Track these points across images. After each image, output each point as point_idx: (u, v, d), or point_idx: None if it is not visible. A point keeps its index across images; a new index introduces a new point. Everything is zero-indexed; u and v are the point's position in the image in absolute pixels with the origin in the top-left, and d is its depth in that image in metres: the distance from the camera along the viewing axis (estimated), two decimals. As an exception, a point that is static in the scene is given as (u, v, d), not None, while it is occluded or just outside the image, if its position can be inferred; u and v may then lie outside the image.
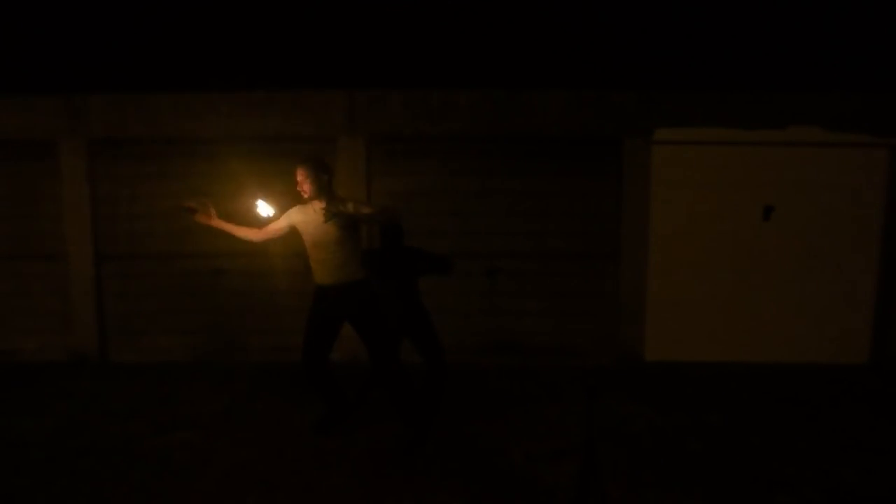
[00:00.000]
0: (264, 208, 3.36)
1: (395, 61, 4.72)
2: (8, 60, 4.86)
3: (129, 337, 4.95)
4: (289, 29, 4.87)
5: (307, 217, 3.25)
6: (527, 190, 4.83)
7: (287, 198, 4.79)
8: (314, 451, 3.21)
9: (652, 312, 4.89)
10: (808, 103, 4.66)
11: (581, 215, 4.86)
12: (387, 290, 3.45)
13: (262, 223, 3.42)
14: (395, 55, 4.74)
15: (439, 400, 3.60)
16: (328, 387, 3.44)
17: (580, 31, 4.89)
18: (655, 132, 4.71)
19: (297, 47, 4.83)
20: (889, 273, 4.80)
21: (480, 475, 2.96)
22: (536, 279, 4.89)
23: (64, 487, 2.83)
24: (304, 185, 3.23)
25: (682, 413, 3.79)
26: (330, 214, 2.98)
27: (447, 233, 4.81)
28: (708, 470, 3.02)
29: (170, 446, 3.26)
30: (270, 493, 2.78)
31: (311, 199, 3.24)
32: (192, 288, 4.91)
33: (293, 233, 3.38)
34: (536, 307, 4.90)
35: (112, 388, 4.26)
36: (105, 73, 4.80)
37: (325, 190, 3.24)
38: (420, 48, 4.76)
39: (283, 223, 3.38)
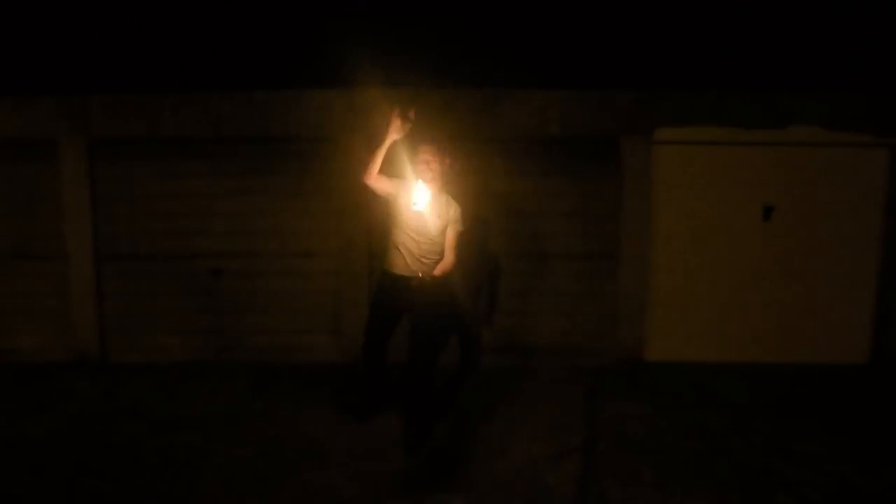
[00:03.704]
0: (421, 197, 3.05)
1: (395, 61, 4.72)
2: (8, 60, 4.86)
3: (129, 337, 4.94)
4: (289, 29, 4.86)
5: (409, 198, 3.11)
6: (526, 190, 4.83)
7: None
8: (314, 450, 3.21)
9: (652, 312, 4.89)
10: (808, 103, 4.66)
11: (581, 215, 4.86)
12: (465, 287, 3.39)
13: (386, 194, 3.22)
14: (395, 55, 4.74)
15: (453, 401, 3.61)
16: (378, 374, 3.51)
17: (581, 30, 4.88)
18: (655, 132, 4.71)
19: (298, 47, 4.83)
20: (889, 273, 4.80)
21: (481, 475, 2.96)
22: (536, 279, 4.89)
23: (64, 487, 2.83)
24: (434, 165, 3.12)
25: (682, 413, 3.79)
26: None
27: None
28: (708, 470, 3.03)
29: (170, 446, 3.26)
30: (270, 493, 2.78)
31: (428, 182, 3.10)
32: (192, 288, 4.91)
33: (383, 204, 3.25)
34: (536, 307, 4.90)
35: (112, 388, 4.26)
36: (105, 73, 4.79)
37: (440, 180, 3.17)
38: (420, 48, 4.76)
39: (390, 188, 3.15)
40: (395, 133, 3.08)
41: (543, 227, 4.85)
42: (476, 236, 3.47)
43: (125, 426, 3.54)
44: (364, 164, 3.19)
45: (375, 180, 3.16)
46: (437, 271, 3.14)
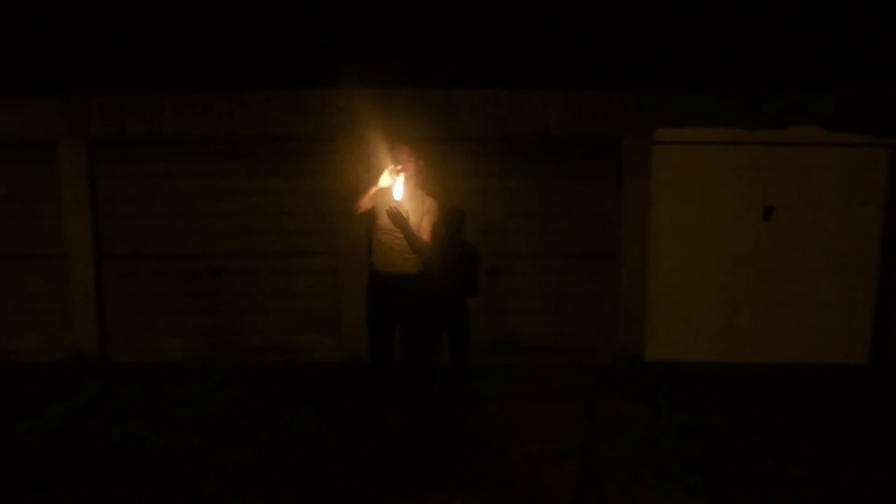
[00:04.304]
0: (398, 190, 3.22)
1: (395, 61, 4.72)
2: (8, 60, 4.86)
3: (129, 337, 4.95)
4: (289, 29, 4.87)
5: (386, 201, 3.29)
6: (527, 190, 4.83)
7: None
8: (314, 450, 3.22)
9: (652, 312, 4.89)
10: (808, 103, 4.66)
11: (581, 215, 4.86)
12: (450, 280, 3.42)
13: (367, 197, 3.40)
14: (394, 55, 4.74)
15: (449, 401, 3.61)
16: (386, 374, 3.64)
17: (580, 31, 4.88)
18: (655, 132, 4.71)
19: (297, 47, 4.83)
20: (889, 273, 4.80)
21: (480, 475, 2.96)
22: (536, 279, 4.88)
23: (64, 487, 2.83)
24: (409, 165, 3.32)
25: (682, 413, 3.79)
26: (395, 213, 3.07)
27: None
28: (708, 470, 3.03)
29: (170, 446, 3.26)
30: (270, 493, 2.78)
31: (405, 181, 3.27)
32: (192, 288, 4.91)
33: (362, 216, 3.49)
34: (536, 307, 4.90)
35: (112, 388, 4.26)
36: (105, 73, 4.80)
37: (415, 179, 3.38)
38: (420, 48, 4.76)
39: (369, 204, 3.39)
40: (386, 181, 3.31)
41: (543, 226, 4.85)
42: (453, 227, 3.51)
43: (125, 426, 3.54)
44: (354, 201, 3.41)
45: (362, 206, 3.40)
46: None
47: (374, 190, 3.34)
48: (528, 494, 2.78)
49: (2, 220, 4.86)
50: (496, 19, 4.85)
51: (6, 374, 4.55)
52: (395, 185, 3.21)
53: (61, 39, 4.87)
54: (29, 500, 2.73)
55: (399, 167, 3.25)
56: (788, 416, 3.74)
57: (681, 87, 4.74)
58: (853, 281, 4.85)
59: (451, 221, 3.50)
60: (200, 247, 4.87)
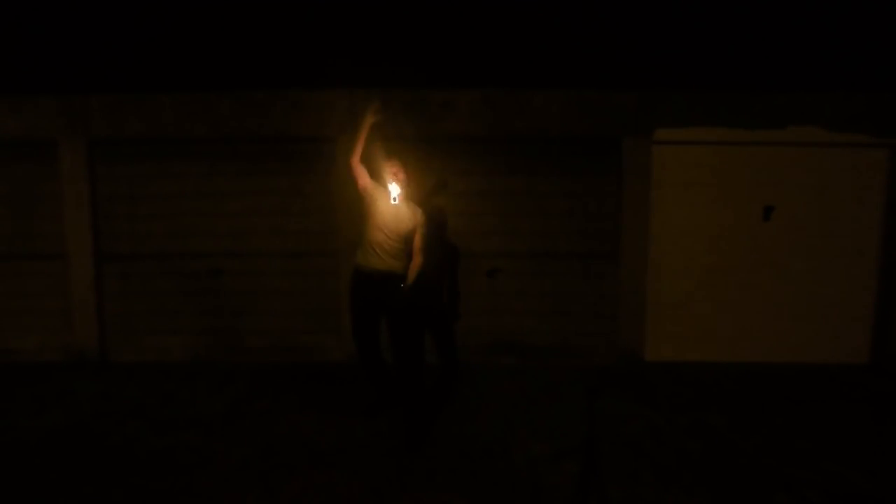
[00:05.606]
0: (394, 190, 3.47)
1: (396, 61, 4.72)
2: (8, 60, 4.86)
3: (129, 337, 4.95)
4: (289, 29, 4.86)
5: (384, 201, 3.47)
6: (527, 190, 4.83)
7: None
8: (314, 450, 3.22)
9: (652, 312, 4.89)
10: (808, 103, 4.67)
11: (581, 215, 4.86)
12: (439, 279, 3.47)
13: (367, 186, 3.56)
14: (395, 55, 4.74)
15: (445, 401, 3.61)
16: (379, 373, 3.67)
17: (580, 31, 4.88)
18: (655, 132, 4.71)
19: (298, 47, 4.83)
20: (889, 273, 4.81)
21: (481, 475, 2.96)
22: (536, 279, 4.89)
23: (64, 487, 2.83)
24: (401, 175, 3.49)
25: (682, 413, 3.79)
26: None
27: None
28: (708, 470, 3.03)
29: (170, 446, 3.26)
30: (270, 493, 2.78)
31: (398, 188, 3.48)
32: (192, 288, 4.91)
33: (360, 199, 3.58)
34: (536, 307, 4.91)
35: (112, 388, 4.26)
36: (105, 73, 4.80)
37: (406, 189, 3.55)
38: (420, 48, 4.76)
39: (368, 184, 3.52)
40: (371, 118, 3.52)
41: (543, 226, 4.86)
42: (434, 224, 3.57)
43: (125, 426, 3.54)
44: (351, 153, 3.53)
45: (358, 165, 3.50)
46: (410, 272, 3.40)
47: (366, 126, 3.47)
48: (528, 494, 2.78)
49: (2, 220, 4.86)
50: (496, 19, 4.84)
51: (6, 374, 4.55)
52: (392, 191, 3.42)
53: (61, 39, 4.86)
54: (29, 500, 2.73)
55: (395, 172, 3.45)
56: (788, 416, 3.75)
57: (681, 86, 4.74)
58: (853, 281, 4.85)
59: (429, 218, 3.56)
60: (200, 247, 4.87)
